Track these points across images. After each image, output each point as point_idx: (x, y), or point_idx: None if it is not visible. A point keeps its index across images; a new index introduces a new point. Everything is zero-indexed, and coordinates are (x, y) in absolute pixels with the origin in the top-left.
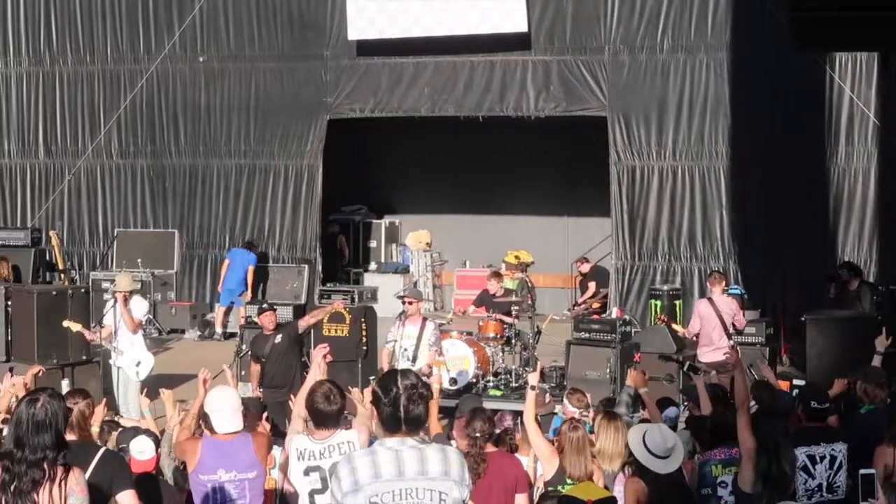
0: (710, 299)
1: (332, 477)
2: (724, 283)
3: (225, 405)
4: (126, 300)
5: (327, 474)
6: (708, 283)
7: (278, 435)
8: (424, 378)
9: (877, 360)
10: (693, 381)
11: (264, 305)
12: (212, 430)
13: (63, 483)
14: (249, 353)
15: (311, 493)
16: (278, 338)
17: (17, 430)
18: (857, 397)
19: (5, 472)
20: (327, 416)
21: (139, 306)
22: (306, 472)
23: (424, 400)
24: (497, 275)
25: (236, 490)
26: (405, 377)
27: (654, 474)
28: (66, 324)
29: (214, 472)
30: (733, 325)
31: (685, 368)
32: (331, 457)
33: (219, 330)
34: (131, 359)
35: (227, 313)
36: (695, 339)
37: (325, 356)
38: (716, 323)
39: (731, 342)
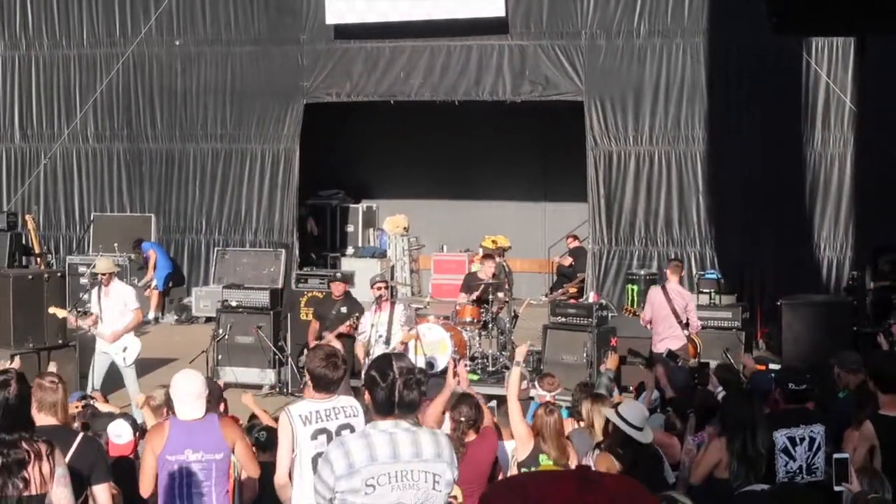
0: (663, 287)
1: (321, 461)
2: (680, 272)
3: (188, 392)
4: (109, 281)
5: (335, 435)
6: (666, 271)
7: None
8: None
9: None
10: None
11: (338, 275)
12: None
13: (50, 457)
14: (313, 310)
15: (315, 458)
16: (343, 308)
17: None
18: (834, 382)
19: None
20: (330, 382)
21: (130, 296)
22: (314, 436)
23: (419, 385)
24: (489, 257)
25: (203, 470)
26: (400, 360)
27: (631, 449)
28: (51, 310)
29: (182, 453)
30: (687, 319)
31: (664, 353)
32: (336, 419)
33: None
34: (118, 345)
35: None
36: (648, 326)
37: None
38: (666, 312)
39: (686, 332)
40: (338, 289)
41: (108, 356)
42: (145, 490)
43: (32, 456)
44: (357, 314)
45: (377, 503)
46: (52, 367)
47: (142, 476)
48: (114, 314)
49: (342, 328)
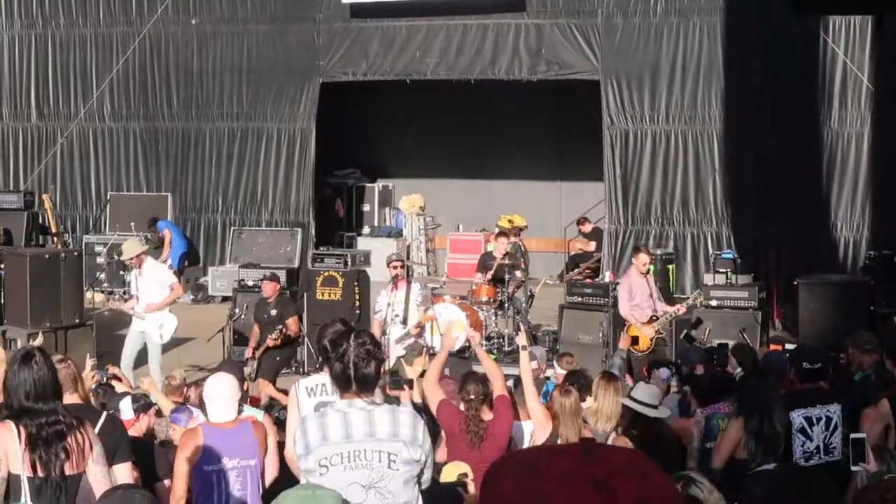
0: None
1: None
2: (638, 256)
3: (220, 394)
4: (141, 263)
5: None
6: None
7: None
8: (416, 338)
9: None
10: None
11: (268, 274)
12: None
13: (85, 431)
14: (253, 315)
15: None
16: (273, 311)
17: (24, 390)
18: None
19: (27, 429)
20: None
21: (164, 273)
22: (317, 409)
23: (375, 359)
24: (502, 235)
25: (239, 477)
26: (359, 336)
27: (644, 427)
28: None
29: (219, 462)
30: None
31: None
32: None
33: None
34: (155, 323)
35: None
36: None
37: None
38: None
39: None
40: (267, 289)
41: (142, 335)
42: (177, 499)
43: (70, 428)
44: (281, 327)
45: (332, 484)
46: (40, 341)
47: (174, 486)
48: (151, 293)
49: (269, 341)
